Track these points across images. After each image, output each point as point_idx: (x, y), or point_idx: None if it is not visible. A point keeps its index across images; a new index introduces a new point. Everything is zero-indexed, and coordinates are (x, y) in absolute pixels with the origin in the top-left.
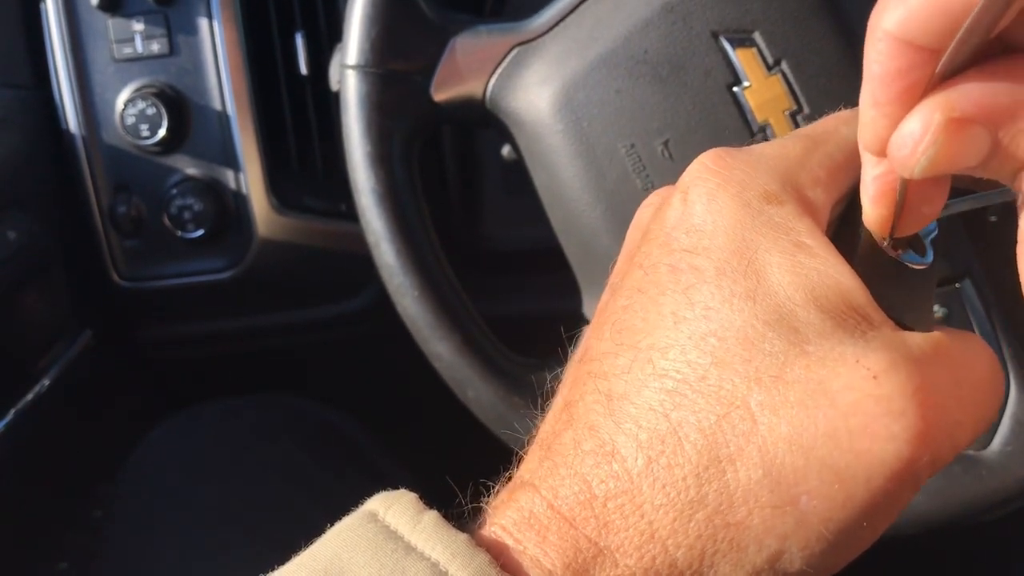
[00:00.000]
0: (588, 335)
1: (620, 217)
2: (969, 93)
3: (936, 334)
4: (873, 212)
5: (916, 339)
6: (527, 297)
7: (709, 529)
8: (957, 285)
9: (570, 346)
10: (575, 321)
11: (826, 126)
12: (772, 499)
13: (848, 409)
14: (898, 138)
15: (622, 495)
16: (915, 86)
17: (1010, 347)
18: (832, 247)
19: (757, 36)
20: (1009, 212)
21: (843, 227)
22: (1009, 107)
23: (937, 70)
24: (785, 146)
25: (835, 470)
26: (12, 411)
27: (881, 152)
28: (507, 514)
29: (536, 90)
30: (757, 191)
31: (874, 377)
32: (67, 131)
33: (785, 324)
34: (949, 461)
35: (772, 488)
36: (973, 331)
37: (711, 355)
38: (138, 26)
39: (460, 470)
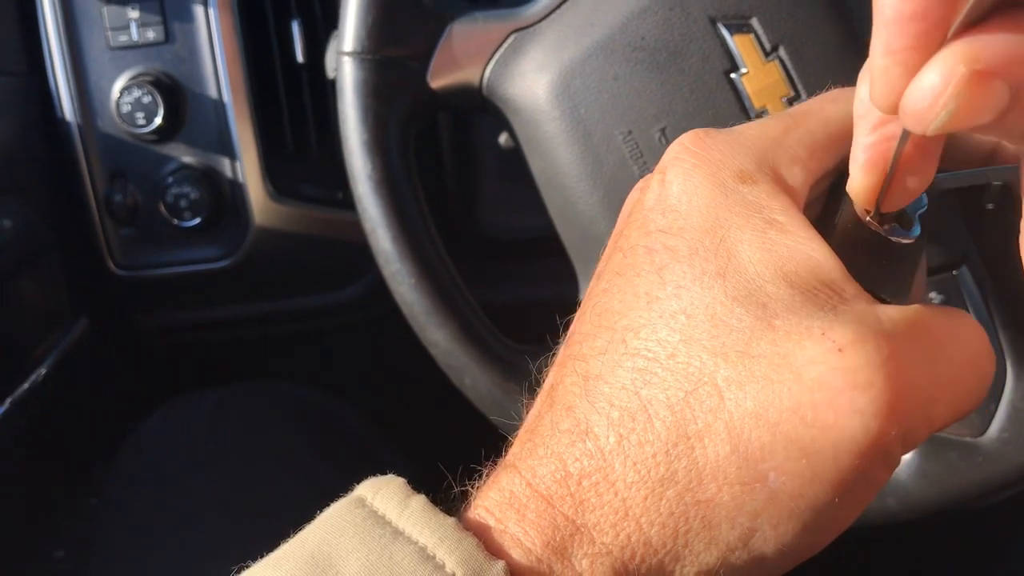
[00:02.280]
0: (574, 321)
1: (617, 204)
2: (994, 44)
3: (915, 307)
4: (862, 181)
5: (890, 312)
6: (524, 284)
7: (680, 507)
8: (954, 272)
9: (563, 332)
10: (571, 308)
11: (811, 105)
12: (740, 475)
13: (813, 383)
14: (916, 90)
15: (596, 473)
16: (933, 30)
17: (1007, 334)
18: (806, 223)
19: (755, 22)
20: (1006, 199)
21: (827, 204)
22: None
23: (957, 20)
24: (765, 125)
25: (801, 445)
26: (8, 399)
27: (892, 107)
28: (490, 495)
29: (533, 77)
30: (732, 170)
31: (839, 350)
32: (62, 119)
33: (753, 300)
34: (924, 438)
35: (740, 464)
36: None
37: (680, 332)
38: (133, 13)
39: (456, 457)
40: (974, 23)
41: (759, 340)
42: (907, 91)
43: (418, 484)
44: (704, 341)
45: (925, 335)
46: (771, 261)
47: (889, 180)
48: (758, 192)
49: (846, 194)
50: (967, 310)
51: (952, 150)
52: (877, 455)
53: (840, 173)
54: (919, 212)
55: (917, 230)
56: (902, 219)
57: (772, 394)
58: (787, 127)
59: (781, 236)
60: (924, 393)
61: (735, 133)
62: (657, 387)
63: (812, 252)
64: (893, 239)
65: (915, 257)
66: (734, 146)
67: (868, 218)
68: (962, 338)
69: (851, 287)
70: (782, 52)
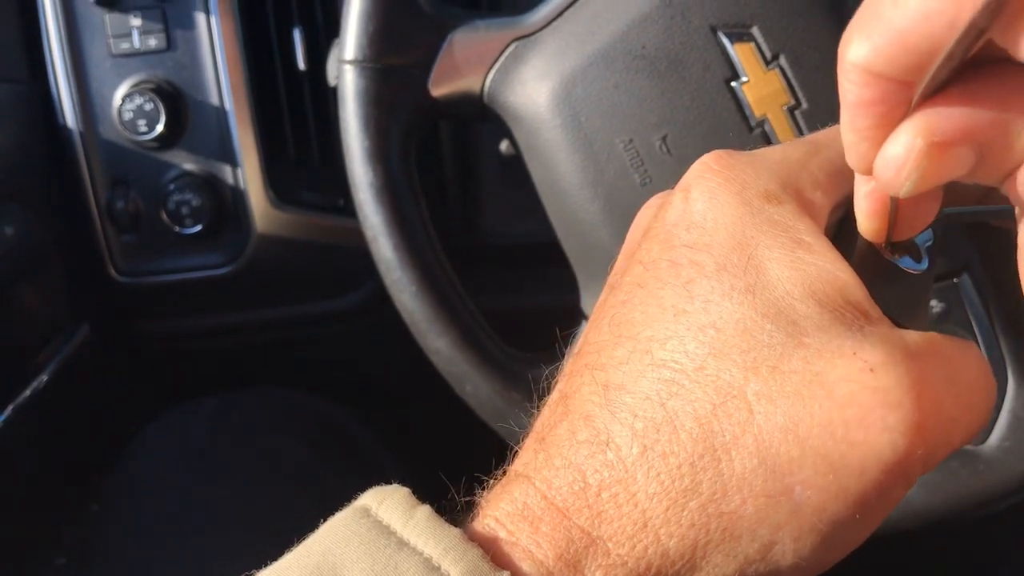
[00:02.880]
0: (586, 330)
1: (618, 212)
2: (950, 116)
3: (931, 334)
4: (868, 225)
5: (913, 336)
6: (525, 292)
7: (702, 518)
8: (955, 280)
9: (567, 342)
10: (573, 316)
11: (828, 133)
12: (766, 488)
13: (844, 400)
14: (881, 162)
15: (616, 484)
16: (893, 111)
17: (1008, 342)
18: (830, 245)
19: (755, 31)
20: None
21: (842, 230)
22: (993, 123)
23: (917, 93)
24: (787, 150)
25: (829, 460)
26: (10, 406)
27: (867, 171)
28: (500, 506)
29: (534, 85)
30: (758, 191)
31: (871, 370)
32: (64, 126)
33: (783, 317)
34: (942, 459)
35: (766, 477)
36: (971, 325)
37: (709, 345)
38: (135, 21)
39: (458, 465)
40: (933, 94)
41: (790, 357)
42: (875, 162)
43: (419, 492)
44: (734, 355)
45: (944, 359)
46: (800, 280)
47: (892, 222)
48: (784, 212)
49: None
50: (968, 318)
51: (952, 185)
52: (901, 473)
53: (850, 203)
54: (927, 245)
55: (927, 263)
56: (912, 251)
57: (803, 409)
58: (808, 153)
59: (809, 255)
60: (947, 413)
61: (757, 155)
62: (683, 399)
63: (839, 272)
64: (907, 270)
65: (926, 286)
66: (759, 167)
67: (883, 247)
68: (972, 363)
69: (875, 310)
70: (783, 61)
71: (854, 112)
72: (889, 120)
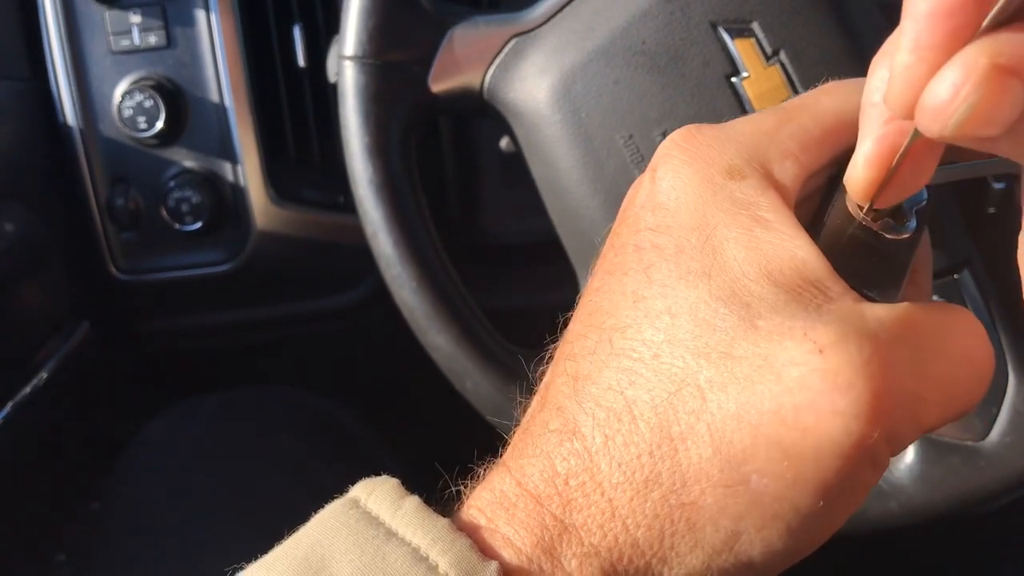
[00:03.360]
0: (571, 319)
1: (618, 208)
2: (1017, 41)
3: (904, 306)
4: (864, 174)
5: (876, 311)
6: (525, 288)
7: (665, 508)
8: (956, 276)
9: (560, 331)
10: (573, 311)
11: (805, 99)
12: (723, 478)
13: (793, 384)
14: (936, 83)
15: (583, 473)
16: (963, 29)
17: (1009, 338)
18: (794, 221)
19: (756, 26)
20: (1008, 202)
21: (823, 200)
22: None
23: (989, 16)
24: (757, 120)
25: (782, 448)
26: (10, 403)
27: (907, 108)
28: (482, 495)
29: (534, 81)
30: (721, 167)
31: (820, 351)
32: (64, 123)
33: (737, 299)
34: (913, 439)
35: (722, 467)
36: None
37: (664, 332)
38: (135, 18)
39: (456, 460)
40: (999, 25)
41: (741, 341)
42: (927, 88)
43: (417, 487)
44: (687, 341)
45: (913, 334)
46: (756, 259)
47: (891, 175)
48: (746, 188)
49: (837, 190)
50: None
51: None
52: (861, 457)
53: (836, 168)
54: (917, 207)
55: (913, 224)
56: (896, 214)
57: (753, 396)
58: (779, 121)
59: (767, 233)
60: (910, 394)
61: (726, 128)
62: (642, 388)
63: (798, 250)
64: (887, 236)
65: (908, 254)
66: (724, 141)
67: (862, 214)
68: (958, 336)
69: (837, 285)
70: (783, 56)
71: (924, 25)
72: (955, 42)
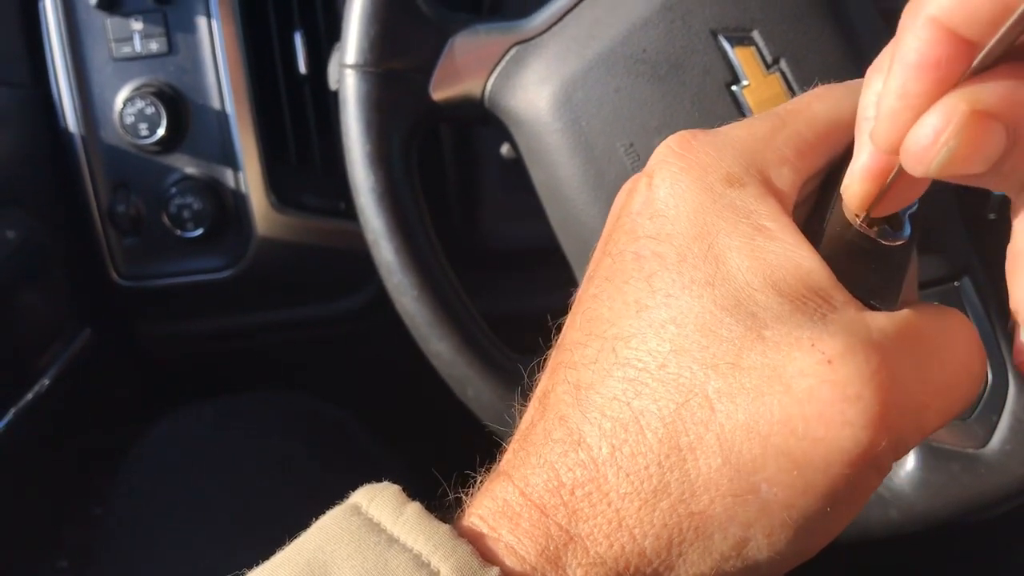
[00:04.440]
0: (565, 324)
1: None
2: (995, 88)
3: (904, 313)
4: (860, 187)
5: (879, 320)
6: (526, 295)
7: (674, 518)
8: (956, 283)
9: (555, 335)
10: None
11: (797, 103)
12: (732, 487)
13: (803, 395)
14: (919, 127)
15: (589, 483)
16: (948, 78)
17: (1009, 346)
18: (794, 229)
19: (756, 35)
20: (1008, 209)
21: (816, 206)
22: None
23: (973, 64)
24: (752, 126)
25: (792, 458)
26: (12, 410)
27: (892, 148)
28: (484, 503)
29: (535, 89)
30: (720, 174)
31: (829, 362)
32: (65, 130)
33: (743, 309)
34: (916, 444)
35: (731, 476)
36: None
37: (670, 343)
38: (137, 25)
39: (457, 466)
40: (979, 72)
41: (749, 351)
42: (911, 132)
43: (418, 493)
44: (694, 352)
45: (915, 342)
46: (760, 269)
47: (887, 188)
48: (746, 196)
49: (834, 197)
50: None
51: None
52: (867, 465)
53: (829, 173)
54: (909, 213)
55: (908, 231)
56: (892, 221)
57: (763, 406)
58: (774, 127)
59: (769, 242)
60: (915, 401)
61: (722, 135)
62: (648, 398)
63: (801, 259)
64: (884, 242)
65: (904, 260)
66: (721, 148)
67: (859, 222)
68: (953, 340)
69: (840, 294)
70: (783, 65)
71: (911, 75)
72: (940, 90)
